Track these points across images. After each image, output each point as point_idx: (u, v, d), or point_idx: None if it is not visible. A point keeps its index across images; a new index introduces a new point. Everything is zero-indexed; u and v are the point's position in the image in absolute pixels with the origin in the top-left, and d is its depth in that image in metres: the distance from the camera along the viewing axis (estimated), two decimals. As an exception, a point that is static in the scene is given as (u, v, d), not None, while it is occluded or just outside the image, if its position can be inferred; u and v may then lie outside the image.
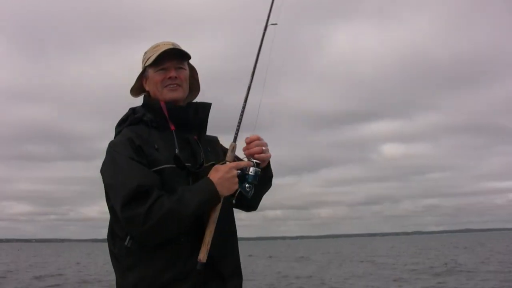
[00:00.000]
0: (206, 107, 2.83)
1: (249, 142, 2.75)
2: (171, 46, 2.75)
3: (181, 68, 2.77)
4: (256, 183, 2.65)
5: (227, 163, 2.64)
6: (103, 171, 2.62)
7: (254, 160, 2.69)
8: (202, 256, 2.46)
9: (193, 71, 2.91)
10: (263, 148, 2.76)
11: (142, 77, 2.84)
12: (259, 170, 2.66)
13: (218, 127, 2.99)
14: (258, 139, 2.76)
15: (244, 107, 2.73)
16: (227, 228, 2.76)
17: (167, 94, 2.73)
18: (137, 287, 2.52)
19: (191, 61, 2.89)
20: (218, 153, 2.88)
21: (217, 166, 2.60)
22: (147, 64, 2.76)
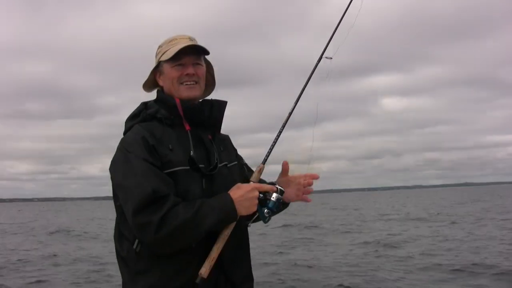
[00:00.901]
0: (222, 105, 2.74)
1: (312, 178, 2.77)
2: (189, 41, 2.65)
3: (198, 64, 2.67)
4: (276, 210, 2.59)
5: (251, 183, 2.57)
6: (114, 170, 2.52)
7: (279, 187, 2.60)
8: (204, 271, 2.39)
9: (209, 66, 2.80)
10: (311, 190, 2.78)
11: (156, 71, 2.73)
12: (281, 197, 2.59)
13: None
14: (316, 179, 2.78)
15: (277, 138, 2.72)
16: (240, 235, 2.66)
17: (184, 92, 2.63)
18: None
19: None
20: (231, 153, 2.84)
21: (239, 184, 2.51)
22: (162, 59, 2.65)
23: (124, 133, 2.63)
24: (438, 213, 38.20)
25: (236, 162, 2.81)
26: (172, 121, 2.60)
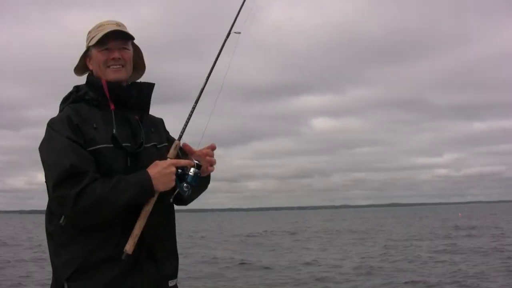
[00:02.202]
0: (150, 87, 2.84)
1: (212, 149, 2.85)
2: (115, 27, 2.74)
3: (124, 48, 2.76)
4: (195, 184, 2.67)
5: (168, 159, 2.65)
6: (41, 149, 2.63)
7: (196, 161, 2.70)
8: (129, 247, 2.47)
9: (137, 50, 2.90)
10: (214, 160, 2.86)
11: (85, 56, 2.82)
12: (199, 172, 2.68)
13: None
14: (214, 149, 2.87)
15: (192, 112, 2.81)
16: (164, 213, 2.77)
17: (110, 75, 2.71)
18: (69, 265, 2.53)
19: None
20: (161, 135, 2.91)
21: (157, 161, 2.60)
22: (90, 44, 2.74)
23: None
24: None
25: (166, 144, 2.84)
26: (99, 102, 2.68)
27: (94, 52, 2.74)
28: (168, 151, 2.73)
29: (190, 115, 2.80)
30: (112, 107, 2.68)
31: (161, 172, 2.54)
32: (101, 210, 2.44)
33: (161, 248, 2.72)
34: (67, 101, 2.75)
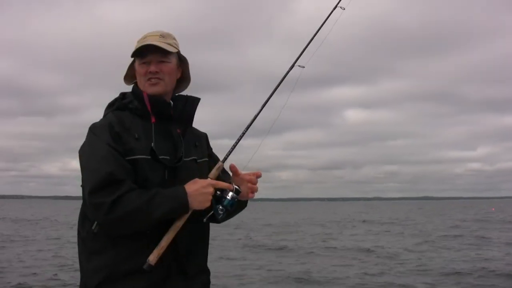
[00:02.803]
0: (194, 101, 2.84)
1: (257, 177, 2.79)
2: (157, 39, 2.72)
3: (163, 61, 2.72)
4: (230, 209, 2.64)
5: (208, 179, 2.61)
6: (80, 152, 2.63)
7: (236, 186, 2.66)
8: (152, 258, 2.44)
9: (183, 62, 2.86)
10: (256, 188, 2.80)
11: (133, 66, 2.82)
12: (237, 197, 2.64)
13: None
14: (259, 177, 2.81)
15: (239, 139, 2.79)
16: (199, 231, 2.75)
17: (148, 89, 2.70)
18: (99, 272, 2.53)
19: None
20: (203, 149, 2.90)
21: (196, 179, 2.56)
22: (131, 55, 2.75)
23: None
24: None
25: (207, 159, 2.86)
26: (143, 112, 2.68)
27: (136, 63, 2.76)
28: (210, 170, 2.72)
29: (238, 141, 2.78)
30: (153, 120, 2.67)
31: (198, 190, 2.51)
32: (135, 221, 2.43)
33: (192, 264, 2.69)
34: (111, 107, 2.76)
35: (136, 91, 2.75)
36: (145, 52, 2.69)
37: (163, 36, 2.74)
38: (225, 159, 2.74)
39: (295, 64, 2.95)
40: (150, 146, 2.56)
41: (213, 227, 2.89)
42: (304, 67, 2.94)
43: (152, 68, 2.68)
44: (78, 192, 2.64)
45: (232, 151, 2.75)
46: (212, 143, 3.00)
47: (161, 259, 2.46)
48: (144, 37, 2.74)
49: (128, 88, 2.82)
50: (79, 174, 2.60)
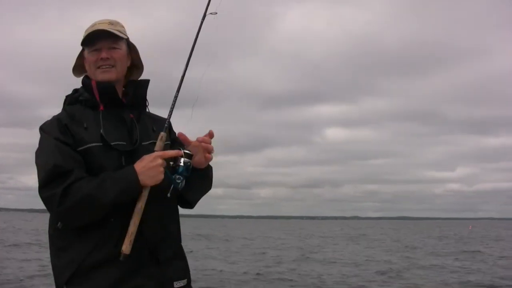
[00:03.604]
0: (144, 84, 2.81)
1: (210, 137, 2.70)
2: (106, 26, 2.69)
3: (114, 48, 2.70)
4: (187, 175, 2.59)
5: (154, 152, 2.56)
6: (35, 151, 2.62)
7: (186, 150, 2.60)
8: (125, 247, 2.39)
9: (133, 48, 2.85)
10: (211, 147, 2.71)
11: (82, 56, 2.79)
12: (189, 161, 2.59)
13: (166, 99, 2.87)
14: (212, 137, 2.72)
15: (176, 96, 2.73)
16: (166, 211, 2.70)
17: (99, 75, 2.68)
18: (68, 268, 2.50)
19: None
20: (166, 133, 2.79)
21: (144, 155, 2.52)
22: (81, 43, 2.73)
23: None
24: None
25: (169, 142, 2.77)
26: (93, 103, 2.66)
27: (86, 52, 2.73)
28: (176, 140, 2.75)
29: (174, 102, 2.71)
30: (101, 107, 2.65)
31: (147, 165, 2.46)
32: (87, 208, 2.40)
33: (163, 248, 2.63)
34: (65, 103, 2.75)
35: (85, 82, 2.73)
36: (95, 40, 2.66)
37: (112, 23, 2.72)
38: (166, 128, 2.65)
39: (207, 13, 2.86)
40: (100, 134, 2.54)
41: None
42: (216, 13, 2.84)
43: (103, 54, 2.66)
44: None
45: (171, 114, 2.70)
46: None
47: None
48: (93, 25, 2.71)
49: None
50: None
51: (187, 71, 2.76)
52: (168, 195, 2.58)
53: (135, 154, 2.57)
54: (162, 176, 2.49)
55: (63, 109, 2.71)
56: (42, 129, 2.61)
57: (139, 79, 2.87)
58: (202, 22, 2.84)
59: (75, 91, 2.76)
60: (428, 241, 47.30)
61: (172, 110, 2.69)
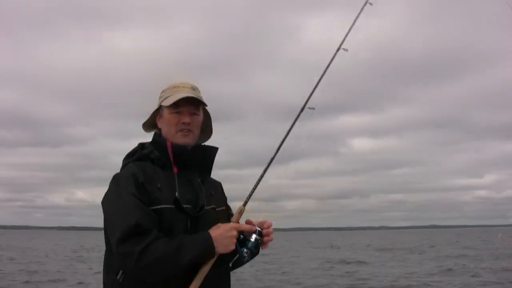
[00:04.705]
0: (213, 151, 2.90)
1: (268, 227, 2.79)
2: (190, 91, 2.80)
3: (195, 114, 2.81)
4: (255, 251, 2.68)
5: (231, 223, 2.67)
6: (105, 203, 2.66)
7: (258, 228, 2.71)
8: None
9: (207, 116, 2.96)
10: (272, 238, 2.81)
11: (157, 113, 2.88)
12: (260, 239, 2.69)
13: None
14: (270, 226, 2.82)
15: (259, 181, 2.83)
16: (221, 276, 2.78)
17: (179, 139, 2.76)
18: None
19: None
20: (221, 198, 2.96)
21: (219, 223, 2.61)
22: (164, 104, 2.79)
23: (120, 170, 2.79)
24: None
25: (224, 207, 2.92)
26: (164, 162, 2.73)
27: (165, 112, 2.79)
28: (231, 214, 2.84)
29: (258, 183, 2.82)
30: (175, 170, 2.71)
31: (223, 234, 2.54)
32: (163, 267, 2.44)
33: None
34: (130, 157, 2.80)
35: (158, 141, 2.80)
36: (179, 103, 2.74)
37: (194, 88, 2.84)
38: (245, 202, 2.78)
39: (305, 107, 3.06)
40: (173, 196, 2.60)
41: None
42: (314, 108, 3.06)
43: (187, 119, 2.75)
44: (83, 222, 2.50)
45: (252, 193, 2.80)
46: (219, 172, 3.04)
47: None
48: (176, 86, 2.82)
49: (145, 138, 2.87)
50: (84, 204, 2.49)
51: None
52: (230, 265, 2.76)
53: (199, 219, 2.66)
54: (233, 247, 2.59)
55: (133, 163, 2.73)
56: (117, 182, 2.64)
57: (205, 143, 2.96)
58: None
59: (142, 145, 2.83)
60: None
61: (249, 199, 2.79)
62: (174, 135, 2.76)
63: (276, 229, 2.86)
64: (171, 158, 2.71)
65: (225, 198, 3.03)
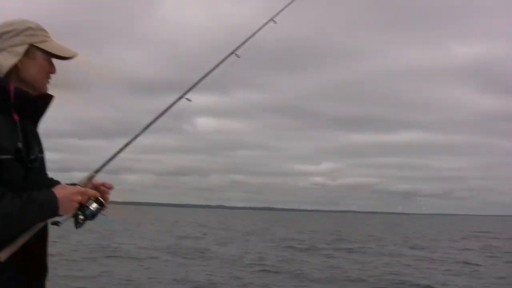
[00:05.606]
0: (51, 99, 2.66)
1: (110, 188, 2.72)
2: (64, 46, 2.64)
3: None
4: (90, 220, 2.55)
5: (78, 186, 2.54)
6: None
7: (101, 198, 2.56)
8: (3, 254, 2.30)
9: None
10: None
11: (27, 55, 2.50)
12: (100, 208, 2.55)
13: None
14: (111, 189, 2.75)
15: (118, 152, 2.85)
16: (44, 229, 2.54)
17: (44, 88, 2.60)
18: None
19: None
20: (41, 144, 2.69)
21: (65, 184, 2.51)
22: (43, 47, 2.54)
23: None
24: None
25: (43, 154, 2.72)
26: (2, 107, 2.41)
27: (40, 56, 2.55)
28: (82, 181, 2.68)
29: (117, 154, 2.83)
30: (16, 117, 2.46)
31: (68, 197, 2.41)
32: (7, 228, 2.28)
33: (38, 264, 2.61)
34: None
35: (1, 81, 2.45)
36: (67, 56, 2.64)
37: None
38: (98, 170, 2.73)
39: (183, 96, 3.33)
40: (13, 146, 2.37)
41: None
42: (191, 100, 3.34)
43: (55, 71, 2.63)
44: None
45: (107, 163, 2.75)
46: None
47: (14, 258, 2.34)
48: (46, 33, 2.59)
49: None
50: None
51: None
52: (59, 225, 2.52)
53: (35, 170, 2.51)
54: (73, 212, 2.47)
55: None
56: None
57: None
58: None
59: None
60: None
61: (114, 157, 2.82)
62: (41, 83, 2.57)
63: (114, 202, 2.78)
64: (12, 104, 2.41)
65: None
